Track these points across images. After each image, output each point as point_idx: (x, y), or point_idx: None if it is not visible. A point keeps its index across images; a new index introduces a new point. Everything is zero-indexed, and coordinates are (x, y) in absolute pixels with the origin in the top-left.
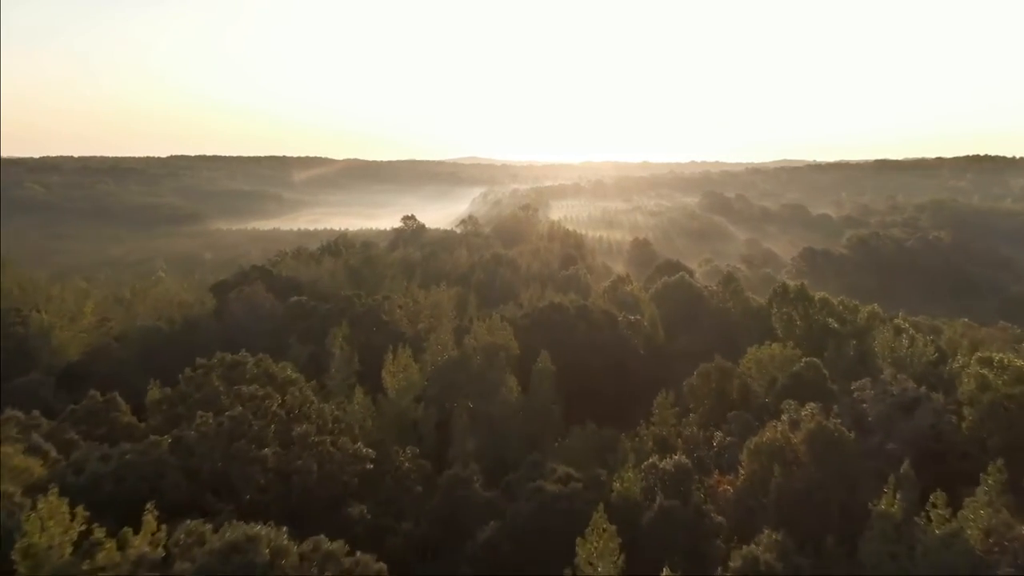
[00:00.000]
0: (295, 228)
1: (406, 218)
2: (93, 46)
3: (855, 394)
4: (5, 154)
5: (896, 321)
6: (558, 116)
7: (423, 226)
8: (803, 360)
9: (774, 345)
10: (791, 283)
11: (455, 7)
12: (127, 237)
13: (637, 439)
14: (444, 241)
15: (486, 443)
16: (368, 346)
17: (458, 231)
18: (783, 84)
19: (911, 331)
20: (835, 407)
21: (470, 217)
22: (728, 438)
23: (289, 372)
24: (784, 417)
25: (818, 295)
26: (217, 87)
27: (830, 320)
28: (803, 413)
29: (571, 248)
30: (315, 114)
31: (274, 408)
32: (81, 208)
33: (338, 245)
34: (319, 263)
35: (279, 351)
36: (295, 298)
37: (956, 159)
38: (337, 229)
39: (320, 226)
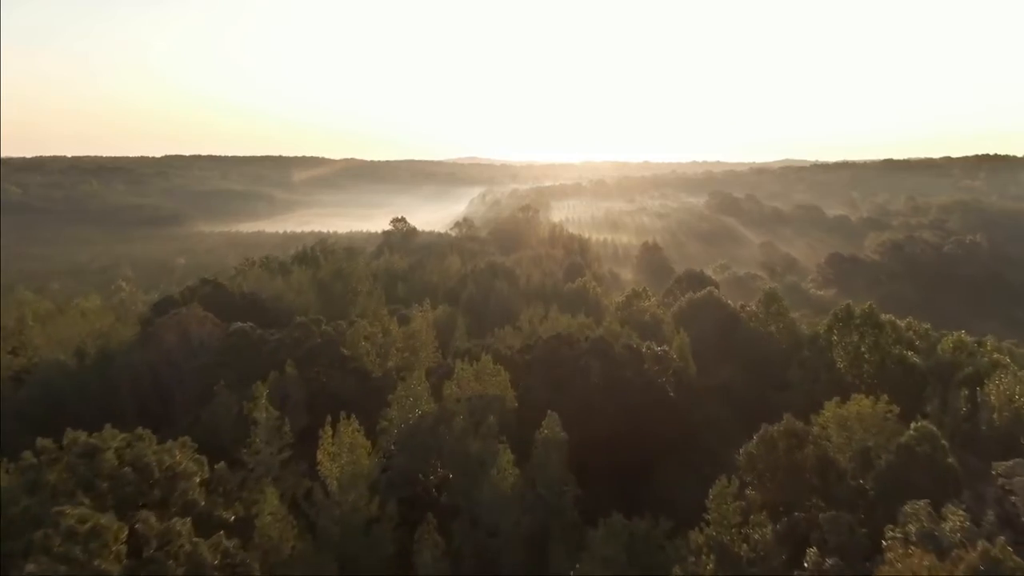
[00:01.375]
0: (281, 231)
1: (395, 220)
2: (92, 46)
3: (1000, 481)
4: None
5: (996, 356)
6: (558, 116)
7: (414, 229)
8: (912, 428)
9: (862, 400)
10: (855, 305)
11: (453, 6)
12: (100, 240)
13: (692, 560)
14: (435, 246)
15: (469, 556)
16: (324, 393)
17: (452, 234)
18: (783, 83)
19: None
20: (988, 513)
21: (465, 219)
22: (828, 560)
23: (177, 457)
24: (911, 528)
25: (886, 318)
26: (217, 86)
27: (908, 353)
28: (948, 527)
29: (575, 254)
30: (314, 114)
31: (110, 556)
32: (58, 210)
33: (314, 252)
34: (288, 274)
35: (211, 398)
36: (237, 325)
37: (966, 158)
38: (326, 231)
39: (308, 228)
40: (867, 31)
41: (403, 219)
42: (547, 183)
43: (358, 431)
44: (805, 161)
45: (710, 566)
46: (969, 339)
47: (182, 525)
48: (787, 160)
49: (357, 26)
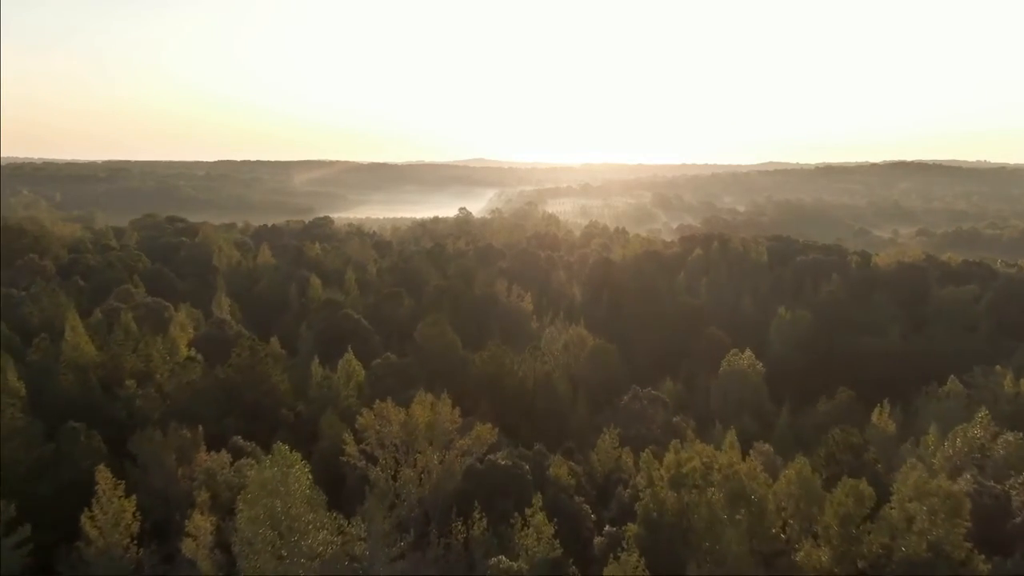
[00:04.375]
0: (362, 217)
1: (461, 209)
2: (79, 51)
3: None
4: None
5: None
6: (561, 118)
7: (471, 214)
8: None
9: None
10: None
11: (458, 13)
12: None
13: None
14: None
15: None
16: None
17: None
18: (786, 84)
19: None
20: None
21: (496, 209)
22: None
23: None
24: None
25: None
26: (221, 88)
27: None
28: None
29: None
30: (318, 115)
31: None
32: None
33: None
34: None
35: None
36: None
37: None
38: (398, 218)
39: (386, 215)
40: (879, 32)
41: (465, 208)
42: (548, 185)
43: None
44: (787, 164)
45: None
46: None
47: None
48: (770, 163)
49: (357, 30)
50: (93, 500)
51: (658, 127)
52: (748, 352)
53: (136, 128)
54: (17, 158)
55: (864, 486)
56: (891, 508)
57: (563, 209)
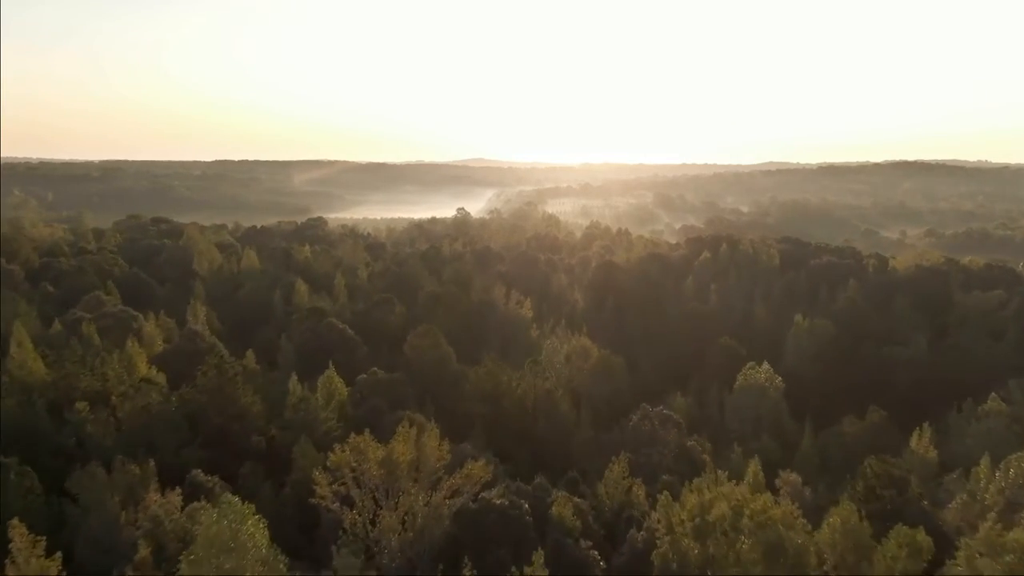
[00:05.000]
0: (360, 217)
1: (459, 209)
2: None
3: None
4: None
5: None
6: (560, 117)
7: (469, 215)
8: None
9: None
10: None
11: (453, 14)
12: None
13: None
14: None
15: None
16: None
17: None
18: (787, 83)
19: None
20: None
21: (495, 209)
22: None
23: None
24: None
25: None
26: (225, 89)
27: None
28: None
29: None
30: (316, 115)
31: None
32: None
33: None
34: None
35: None
36: None
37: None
38: (399, 218)
39: (390, 216)
40: (875, 32)
41: (463, 208)
42: (548, 185)
43: None
44: (789, 164)
45: None
46: None
47: None
48: (771, 163)
49: (355, 31)
50: (7, 560)
51: (658, 127)
52: (766, 366)
53: (134, 128)
54: (16, 158)
55: (921, 536)
56: (956, 564)
57: (563, 209)
